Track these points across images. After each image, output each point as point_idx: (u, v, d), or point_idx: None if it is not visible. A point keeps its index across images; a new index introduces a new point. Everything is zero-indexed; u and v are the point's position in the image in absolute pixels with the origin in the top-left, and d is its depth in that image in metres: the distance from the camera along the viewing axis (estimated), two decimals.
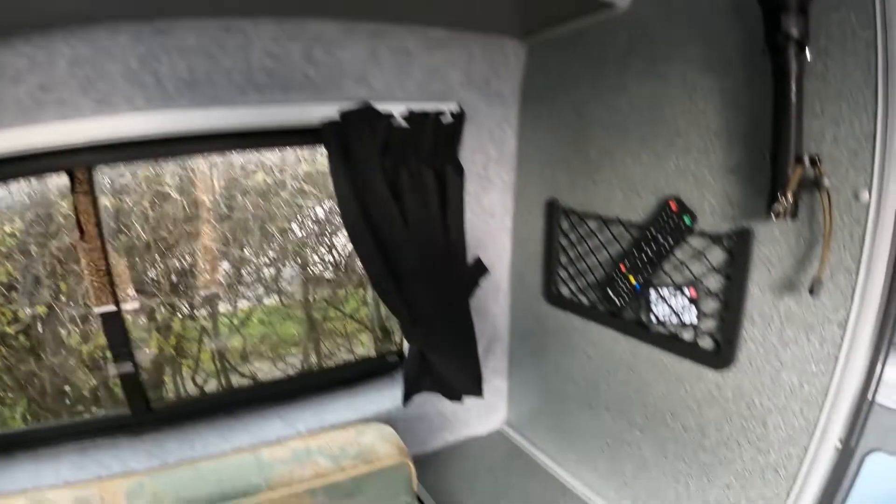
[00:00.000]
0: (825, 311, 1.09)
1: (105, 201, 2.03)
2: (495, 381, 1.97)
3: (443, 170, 1.59)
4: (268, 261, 2.35)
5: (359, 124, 1.45)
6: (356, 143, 1.45)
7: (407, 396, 1.73)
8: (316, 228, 2.36)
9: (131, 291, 2.06)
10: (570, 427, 1.75)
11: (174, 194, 2.10)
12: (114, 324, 1.54)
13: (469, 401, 1.92)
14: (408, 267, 1.54)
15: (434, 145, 1.57)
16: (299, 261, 2.39)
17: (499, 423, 2.08)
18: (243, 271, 2.30)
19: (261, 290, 2.42)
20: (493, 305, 1.86)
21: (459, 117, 1.60)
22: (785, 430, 1.19)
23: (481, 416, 2.00)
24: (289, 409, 1.70)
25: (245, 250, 2.21)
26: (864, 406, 1.40)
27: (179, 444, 1.52)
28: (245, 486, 1.32)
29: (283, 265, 2.41)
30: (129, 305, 2.05)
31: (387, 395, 1.79)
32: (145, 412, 1.60)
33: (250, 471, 1.36)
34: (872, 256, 1.03)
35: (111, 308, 1.53)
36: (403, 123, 1.50)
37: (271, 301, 2.52)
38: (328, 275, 2.60)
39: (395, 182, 1.52)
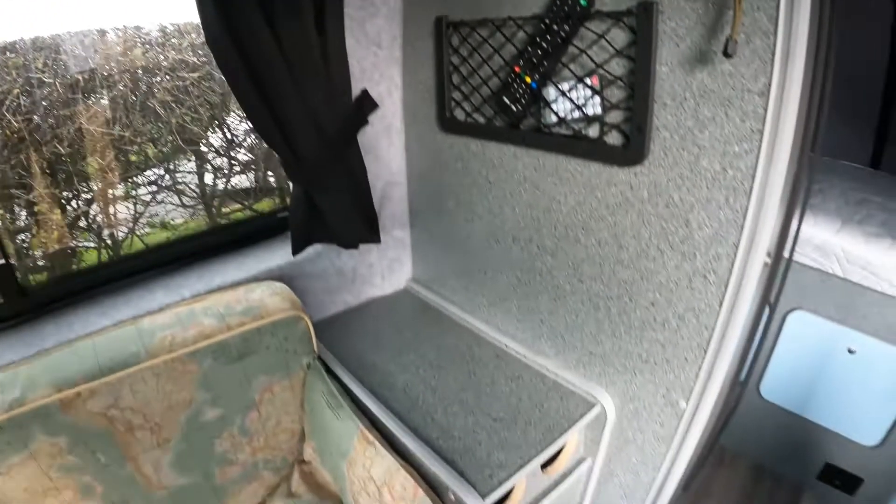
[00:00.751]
0: (743, 81, 0.91)
1: None
2: (395, 231, 1.78)
3: None
4: (158, 151, 2.10)
5: None
6: None
7: (296, 245, 1.53)
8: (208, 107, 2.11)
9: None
10: (479, 269, 1.59)
11: (48, 79, 1.86)
12: None
13: (371, 256, 1.74)
14: (286, 100, 1.31)
15: None
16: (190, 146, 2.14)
17: (404, 280, 1.90)
18: (131, 157, 2.06)
19: (153, 188, 2.17)
20: (387, 147, 1.64)
21: None
22: (710, 226, 1.03)
23: (384, 272, 1.82)
24: (173, 277, 1.51)
25: (128, 133, 1.97)
26: (782, 262, 1.28)
27: (57, 328, 1.34)
28: (123, 357, 1.20)
29: (176, 156, 2.16)
30: None
31: (279, 254, 1.59)
32: (19, 298, 1.40)
33: (129, 341, 1.24)
34: (792, 14, 0.85)
35: None
36: None
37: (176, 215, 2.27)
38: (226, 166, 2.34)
39: (267, 8, 1.26)
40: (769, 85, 0.88)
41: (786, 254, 2.00)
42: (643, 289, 1.16)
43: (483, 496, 1.09)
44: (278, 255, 1.57)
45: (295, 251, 1.52)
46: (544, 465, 1.33)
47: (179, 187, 2.22)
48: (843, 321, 1.98)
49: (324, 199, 1.45)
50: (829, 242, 1.92)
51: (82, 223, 2.10)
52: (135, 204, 2.17)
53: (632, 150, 1.09)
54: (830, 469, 2.24)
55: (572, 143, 1.19)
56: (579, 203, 1.22)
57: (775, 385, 2.26)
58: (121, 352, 1.21)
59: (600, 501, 1.51)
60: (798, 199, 1.22)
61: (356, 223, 1.54)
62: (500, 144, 1.36)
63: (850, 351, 2.00)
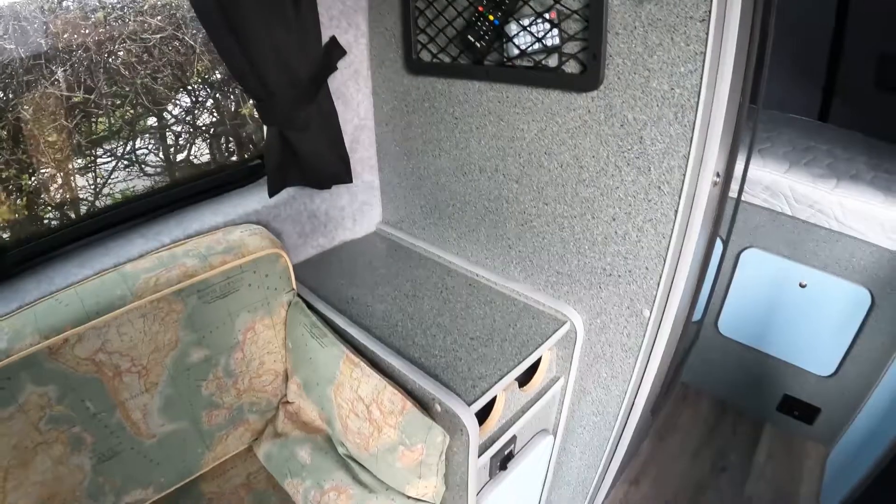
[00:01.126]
0: (686, 9, 1.02)
1: None
2: (365, 174, 1.86)
3: None
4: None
5: None
6: None
7: (272, 187, 1.60)
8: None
9: None
10: (447, 203, 1.68)
11: (9, 45, 1.88)
12: None
13: (342, 200, 1.82)
14: (259, 42, 1.37)
15: None
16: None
17: (375, 224, 1.98)
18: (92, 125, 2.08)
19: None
20: (356, 92, 1.72)
21: None
22: (662, 141, 1.14)
23: (356, 215, 1.90)
24: (151, 226, 1.55)
25: (92, 96, 1.99)
26: (725, 200, 1.46)
27: (38, 284, 1.36)
28: (109, 301, 1.24)
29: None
30: None
31: (254, 200, 1.65)
32: None
33: (114, 286, 1.28)
34: None
35: None
36: None
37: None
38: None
39: None
40: (709, 12, 0.99)
41: (734, 194, 2.13)
42: (604, 205, 1.27)
43: (469, 404, 1.19)
44: (253, 200, 1.64)
45: (271, 193, 1.59)
46: (521, 384, 1.43)
47: (142, 154, 2.25)
48: (794, 257, 2.12)
49: (298, 140, 1.52)
50: (777, 182, 2.06)
51: (45, 196, 2.12)
52: (95, 177, 2.20)
53: (588, 76, 1.19)
54: (789, 400, 2.40)
55: (533, 73, 1.29)
56: (541, 130, 1.32)
57: (732, 321, 2.41)
58: (106, 296, 1.25)
59: (575, 419, 1.63)
60: (743, 125, 1.35)
61: (330, 163, 1.62)
62: (466, 81, 1.44)
63: (801, 285, 2.15)
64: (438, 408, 1.21)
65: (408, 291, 1.59)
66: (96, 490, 1.35)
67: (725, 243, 2.17)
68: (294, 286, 1.52)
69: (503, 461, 1.43)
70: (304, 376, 1.49)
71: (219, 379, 1.48)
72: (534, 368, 1.47)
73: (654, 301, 1.27)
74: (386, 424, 1.23)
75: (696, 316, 2.37)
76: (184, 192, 1.66)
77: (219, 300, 1.39)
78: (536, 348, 1.35)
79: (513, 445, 1.44)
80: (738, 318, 2.38)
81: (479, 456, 1.29)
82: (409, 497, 1.31)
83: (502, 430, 1.37)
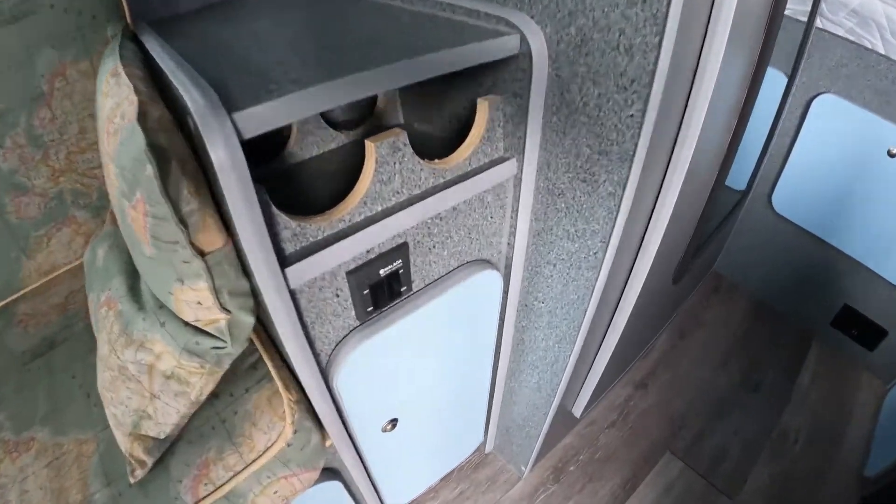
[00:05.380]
0: None
1: None
2: None
3: None
4: None
5: None
6: None
7: None
8: None
9: None
10: None
11: None
12: None
13: None
14: None
15: None
16: None
17: None
18: None
19: None
20: None
21: None
22: None
23: None
24: None
25: None
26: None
27: None
28: None
29: None
30: None
31: None
32: None
33: None
34: None
35: None
36: None
37: None
38: None
39: None
40: None
41: (801, 16, 1.33)
42: None
43: (231, 111, 0.47)
44: None
45: None
46: (435, 157, 0.72)
47: None
48: (885, 113, 1.30)
49: None
50: (869, 5, 1.23)
51: None
52: None
53: None
54: (849, 313, 1.57)
55: None
56: None
57: (791, 195, 1.58)
58: None
59: (540, 252, 0.88)
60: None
61: None
62: None
63: (890, 154, 1.33)
64: (191, 122, 0.51)
65: (288, 21, 0.80)
66: None
67: (788, 78, 1.36)
68: (128, 18, 0.82)
69: (375, 288, 0.71)
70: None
71: (20, 148, 0.87)
72: (462, 137, 0.74)
73: None
74: (109, 152, 0.56)
75: (741, 183, 1.54)
76: None
77: (8, 26, 0.77)
78: (416, 56, 0.59)
79: (400, 263, 0.72)
80: (799, 191, 1.55)
81: (300, 259, 0.60)
82: (187, 324, 0.63)
83: (372, 220, 0.66)
